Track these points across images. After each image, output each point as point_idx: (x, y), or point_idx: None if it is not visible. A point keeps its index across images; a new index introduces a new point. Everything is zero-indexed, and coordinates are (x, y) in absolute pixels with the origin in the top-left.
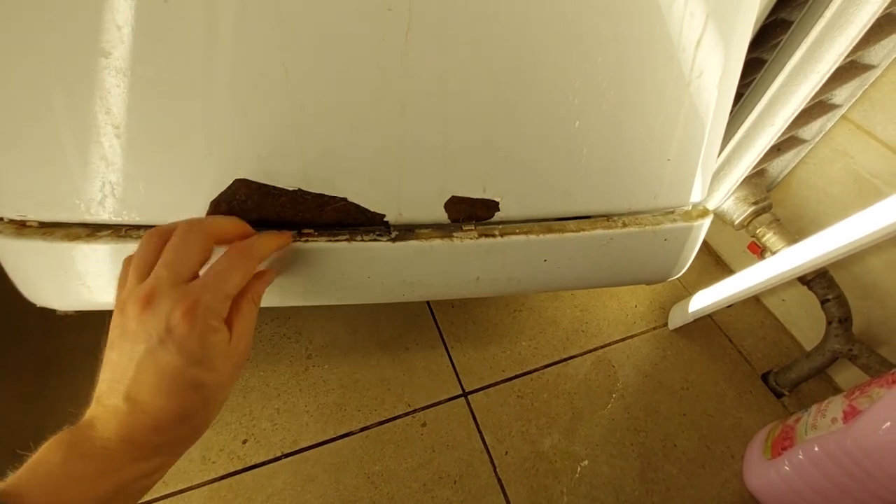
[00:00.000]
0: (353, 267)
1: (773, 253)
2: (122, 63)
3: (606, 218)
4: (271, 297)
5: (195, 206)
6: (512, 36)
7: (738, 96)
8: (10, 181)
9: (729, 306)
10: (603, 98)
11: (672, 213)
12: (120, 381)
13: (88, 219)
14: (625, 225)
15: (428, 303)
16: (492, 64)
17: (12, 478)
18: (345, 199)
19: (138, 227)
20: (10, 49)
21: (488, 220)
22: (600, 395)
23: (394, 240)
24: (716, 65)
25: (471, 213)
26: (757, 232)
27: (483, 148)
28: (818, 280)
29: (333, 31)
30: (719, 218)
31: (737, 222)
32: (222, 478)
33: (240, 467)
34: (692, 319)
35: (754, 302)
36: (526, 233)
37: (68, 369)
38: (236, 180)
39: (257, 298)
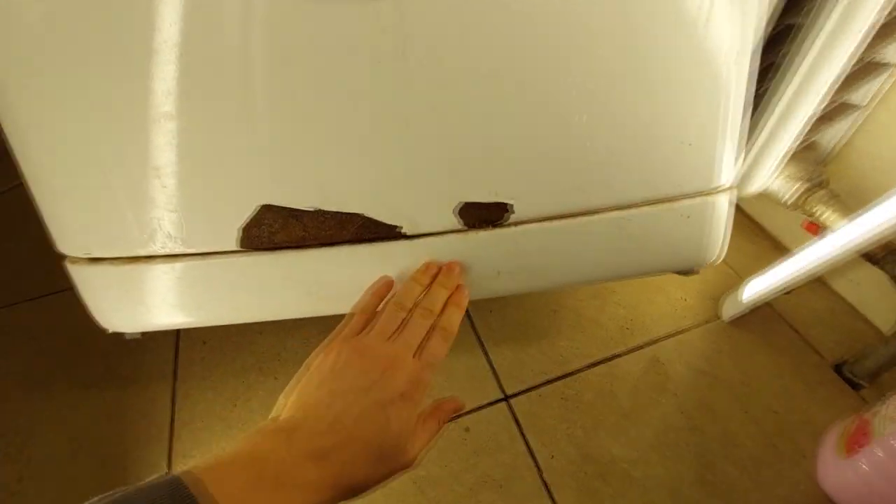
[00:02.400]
0: (376, 269)
1: (833, 231)
2: (156, 114)
3: None
4: (303, 308)
5: (228, 233)
6: (505, 39)
7: (776, 67)
8: (74, 224)
9: (787, 293)
10: (607, 90)
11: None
12: (337, 406)
13: (142, 252)
14: (640, 205)
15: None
16: (488, 70)
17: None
18: (361, 215)
19: (186, 255)
20: (65, 109)
21: (501, 223)
22: (650, 394)
23: (410, 238)
24: (729, 42)
25: (484, 217)
26: (813, 210)
27: (489, 154)
28: (889, 256)
29: (335, 58)
30: (770, 199)
31: (788, 202)
32: None
33: None
34: (747, 309)
35: (821, 287)
36: (539, 220)
37: (144, 388)
38: (262, 206)
39: (444, 419)
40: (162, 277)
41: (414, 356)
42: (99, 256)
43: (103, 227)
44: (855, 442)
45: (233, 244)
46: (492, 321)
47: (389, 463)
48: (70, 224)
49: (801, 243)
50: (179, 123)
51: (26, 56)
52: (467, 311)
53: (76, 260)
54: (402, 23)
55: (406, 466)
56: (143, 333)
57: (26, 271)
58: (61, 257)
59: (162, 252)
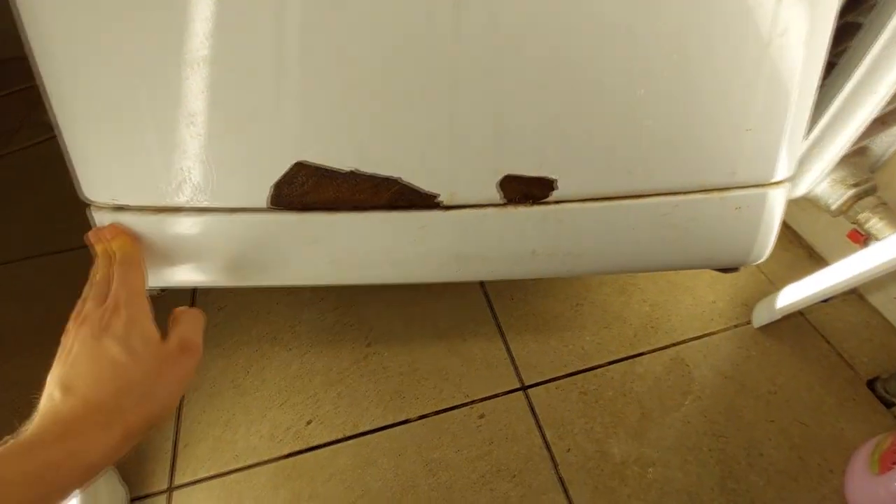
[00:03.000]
0: (408, 238)
1: (880, 241)
2: (194, 57)
3: None
4: (327, 274)
5: (259, 189)
6: (568, 3)
7: (831, 65)
8: (102, 169)
9: (825, 300)
10: (668, 64)
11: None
12: (58, 381)
13: (168, 203)
14: (691, 191)
15: (486, 294)
16: (546, 34)
17: None
18: (398, 180)
19: (213, 210)
20: (101, 47)
21: (544, 200)
22: (673, 395)
23: (446, 208)
24: (802, 20)
25: (526, 192)
26: (859, 217)
27: (538, 124)
28: None
29: (382, 8)
30: (812, 204)
31: (834, 207)
32: (287, 456)
33: (304, 447)
34: (780, 317)
35: (857, 300)
36: (582, 200)
37: None
38: (296, 163)
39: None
40: (187, 231)
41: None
42: (124, 205)
43: (131, 174)
44: (889, 459)
45: (262, 201)
46: (513, 309)
47: (136, 359)
48: (98, 169)
49: (837, 253)
50: (218, 70)
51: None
52: (487, 295)
53: (101, 207)
54: None
55: (174, 359)
56: (162, 290)
57: (42, 227)
58: (86, 204)
59: (189, 204)
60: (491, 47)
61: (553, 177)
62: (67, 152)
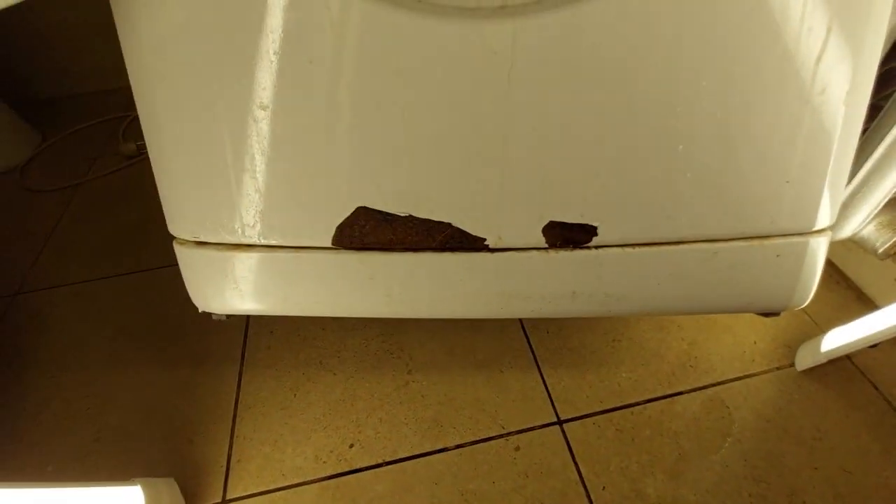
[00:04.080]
0: (456, 278)
1: None
2: (272, 114)
3: None
4: (380, 308)
5: (324, 229)
6: (610, 66)
7: (877, 109)
8: (189, 209)
9: (873, 346)
10: (709, 121)
11: None
12: None
13: (244, 240)
14: (730, 238)
15: (523, 328)
16: (591, 97)
17: None
18: (449, 224)
19: (282, 247)
20: (192, 109)
21: (586, 245)
22: (712, 437)
23: (493, 251)
24: (841, 80)
25: (568, 237)
26: None
27: (581, 176)
28: None
29: (443, 75)
30: (859, 246)
31: (880, 251)
32: (331, 477)
33: (346, 469)
34: (826, 360)
35: None
36: (622, 245)
37: (213, 369)
38: (358, 208)
39: None
40: (257, 266)
41: None
42: (205, 241)
43: (213, 214)
44: None
45: (326, 241)
46: (549, 343)
47: None
48: (185, 209)
49: (887, 295)
50: (293, 126)
51: (170, 61)
52: (524, 328)
53: (184, 242)
54: (514, 46)
55: None
56: (228, 316)
57: (114, 249)
58: (171, 238)
59: (261, 242)
60: (538, 112)
61: (594, 223)
62: (161, 193)
